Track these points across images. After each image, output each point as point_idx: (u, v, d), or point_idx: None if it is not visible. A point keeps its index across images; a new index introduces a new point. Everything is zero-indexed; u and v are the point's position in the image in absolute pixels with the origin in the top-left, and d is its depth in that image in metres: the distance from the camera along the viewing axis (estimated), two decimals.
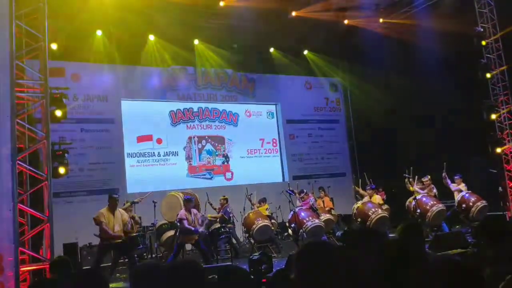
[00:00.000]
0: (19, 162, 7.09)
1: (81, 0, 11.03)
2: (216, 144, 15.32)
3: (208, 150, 15.15)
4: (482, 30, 12.60)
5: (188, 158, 14.77)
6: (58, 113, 8.11)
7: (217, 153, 15.27)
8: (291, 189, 12.05)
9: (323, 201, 13.13)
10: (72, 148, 10.45)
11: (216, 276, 2.55)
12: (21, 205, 7.15)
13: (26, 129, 7.76)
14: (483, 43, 12.59)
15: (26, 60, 8.21)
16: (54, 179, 8.03)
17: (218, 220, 11.60)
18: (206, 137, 15.17)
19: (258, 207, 12.30)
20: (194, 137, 14.94)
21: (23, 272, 7.00)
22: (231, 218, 11.88)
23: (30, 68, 8.11)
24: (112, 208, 8.89)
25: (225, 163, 15.36)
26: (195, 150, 14.92)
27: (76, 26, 11.59)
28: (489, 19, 12.75)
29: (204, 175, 14.91)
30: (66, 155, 8.34)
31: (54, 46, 11.28)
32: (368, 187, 12.55)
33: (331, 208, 13.23)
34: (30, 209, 7.58)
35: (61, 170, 8.15)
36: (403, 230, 3.91)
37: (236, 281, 2.62)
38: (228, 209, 11.86)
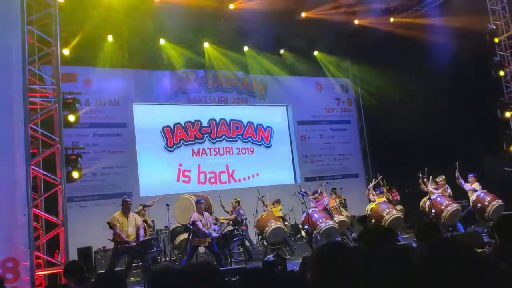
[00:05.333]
0: (33, 167, 7.13)
1: (92, 6, 11.11)
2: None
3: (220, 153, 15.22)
4: (494, 27, 12.46)
5: (200, 162, 14.80)
6: (71, 118, 8.17)
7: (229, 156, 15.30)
8: (303, 190, 12.00)
9: (335, 201, 12.99)
10: (85, 152, 10.47)
11: (233, 278, 2.54)
12: (35, 209, 7.19)
13: (39, 134, 7.81)
14: (496, 40, 12.46)
15: (39, 66, 8.27)
16: (68, 184, 8.08)
17: (231, 222, 11.59)
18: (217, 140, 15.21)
19: (272, 208, 12.27)
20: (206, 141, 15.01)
21: (39, 276, 7.03)
22: (244, 221, 11.86)
23: (42, 74, 8.18)
24: (125, 212, 8.92)
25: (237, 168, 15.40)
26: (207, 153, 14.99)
27: (87, 31, 11.68)
28: (501, 16, 12.61)
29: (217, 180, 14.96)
30: (79, 159, 8.40)
31: (66, 51, 11.39)
32: (377, 191, 12.32)
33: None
34: (44, 214, 7.63)
35: (75, 174, 8.21)
36: (421, 231, 3.88)
37: (257, 283, 2.60)
38: (240, 211, 11.82)
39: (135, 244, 8.81)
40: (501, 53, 12.58)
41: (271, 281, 2.67)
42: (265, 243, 11.60)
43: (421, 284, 1.86)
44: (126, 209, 8.93)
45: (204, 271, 2.30)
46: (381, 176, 13.03)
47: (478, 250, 6.34)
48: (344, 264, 2.18)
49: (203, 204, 9.75)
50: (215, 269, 2.38)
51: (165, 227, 11.50)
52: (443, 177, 11.63)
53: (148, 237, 9.70)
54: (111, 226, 8.75)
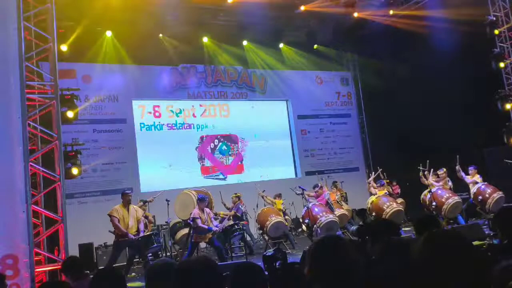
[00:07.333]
0: (32, 164, 7.11)
1: (90, 1, 11.05)
2: (230, 143, 15.34)
3: (221, 149, 15.17)
4: (494, 18, 12.39)
5: (201, 158, 14.78)
6: (70, 114, 8.12)
7: (230, 153, 15.27)
8: (300, 186, 11.95)
9: (336, 195, 12.97)
10: (85, 148, 10.50)
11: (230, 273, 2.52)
12: (35, 206, 7.17)
13: (38, 130, 7.79)
14: (496, 32, 12.38)
15: (36, 62, 8.23)
16: (68, 180, 8.06)
17: (231, 217, 11.58)
18: (219, 136, 15.17)
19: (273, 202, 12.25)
20: (205, 137, 14.98)
21: (39, 273, 7.03)
22: (244, 215, 11.83)
23: (40, 70, 8.14)
24: (126, 205, 8.97)
25: (239, 163, 15.37)
26: (208, 150, 14.96)
27: (85, 27, 11.64)
28: (501, 7, 12.53)
29: (218, 175, 14.91)
30: (79, 155, 8.37)
31: (64, 47, 11.34)
32: (378, 183, 12.33)
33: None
34: (44, 210, 7.62)
35: (74, 171, 8.18)
36: (420, 224, 3.87)
37: (251, 278, 2.58)
38: (240, 206, 11.80)
39: (135, 237, 8.84)
40: (501, 44, 12.52)
41: (263, 275, 2.65)
42: (266, 238, 11.59)
43: (418, 274, 1.84)
44: (126, 202, 9.02)
45: (202, 266, 2.28)
46: (381, 169, 13.01)
47: (479, 243, 6.34)
48: (342, 257, 2.16)
49: (205, 201, 9.73)
50: (213, 264, 2.36)
51: (165, 222, 11.49)
52: (444, 169, 11.61)
53: (149, 232, 9.71)
54: (111, 218, 8.79)
